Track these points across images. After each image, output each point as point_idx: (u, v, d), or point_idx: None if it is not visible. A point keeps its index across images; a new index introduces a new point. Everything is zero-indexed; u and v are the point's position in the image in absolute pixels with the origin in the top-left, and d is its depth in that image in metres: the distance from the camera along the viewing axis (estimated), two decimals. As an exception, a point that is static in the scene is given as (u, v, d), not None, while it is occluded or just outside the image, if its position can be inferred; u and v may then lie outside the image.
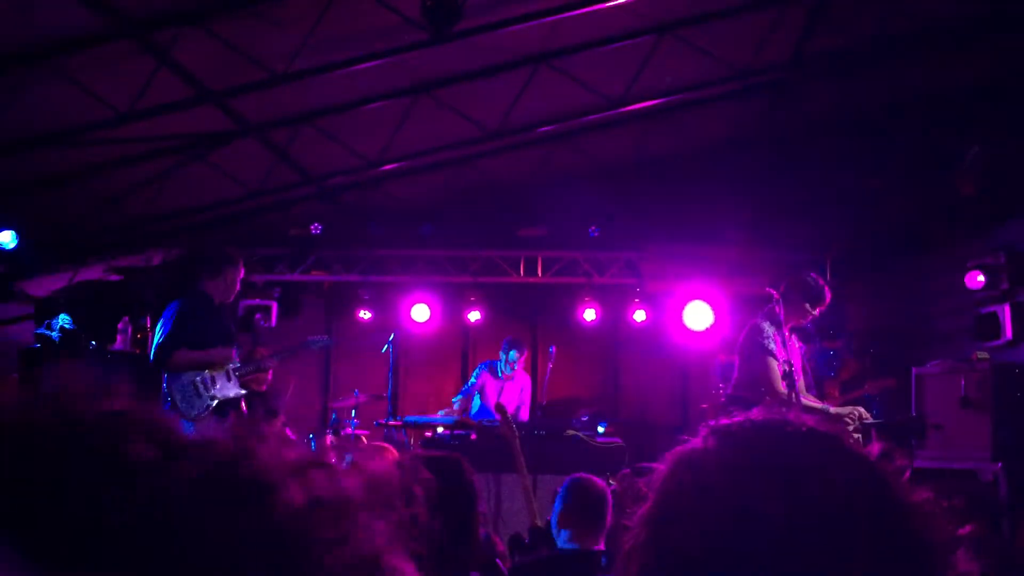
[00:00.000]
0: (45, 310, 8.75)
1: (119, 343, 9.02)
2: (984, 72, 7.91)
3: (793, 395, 5.49)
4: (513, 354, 8.70)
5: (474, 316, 10.35)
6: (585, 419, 8.30)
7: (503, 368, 8.76)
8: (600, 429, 8.07)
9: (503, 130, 8.20)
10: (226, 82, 6.80)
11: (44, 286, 8.84)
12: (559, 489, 4.10)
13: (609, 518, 3.85)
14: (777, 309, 5.67)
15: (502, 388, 8.73)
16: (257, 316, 9.88)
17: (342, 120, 7.82)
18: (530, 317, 10.80)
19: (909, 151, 8.42)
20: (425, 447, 7.76)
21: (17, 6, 5.65)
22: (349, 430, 8.33)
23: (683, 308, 9.76)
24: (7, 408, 0.59)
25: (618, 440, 7.75)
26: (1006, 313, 7.84)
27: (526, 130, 8.52)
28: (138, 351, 8.87)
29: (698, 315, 9.72)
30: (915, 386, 7.31)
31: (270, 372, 7.61)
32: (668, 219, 9.76)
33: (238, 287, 6.30)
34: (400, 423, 8.44)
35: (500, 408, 6.53)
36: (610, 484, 4.69)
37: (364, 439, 8.48)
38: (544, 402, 8.80)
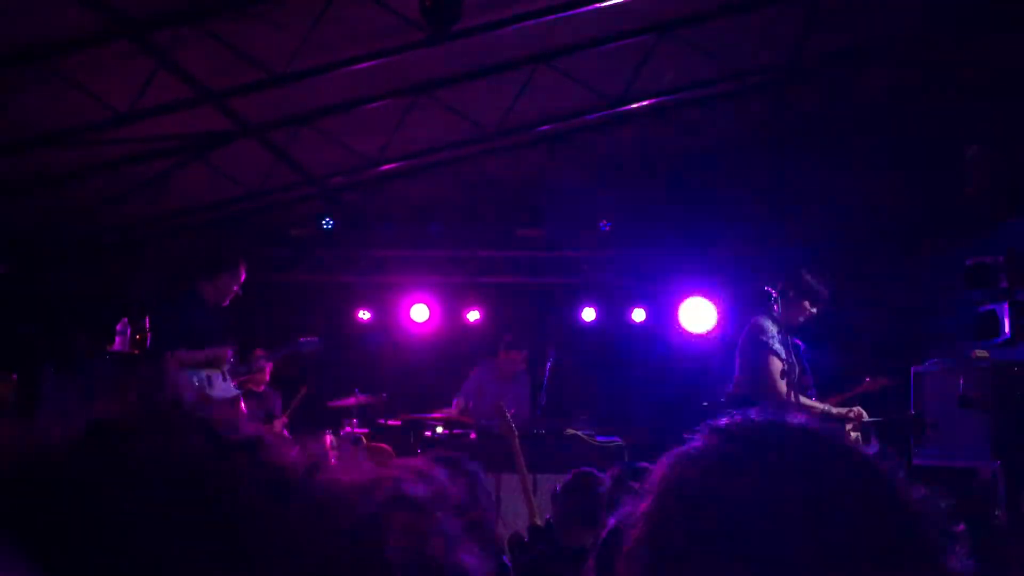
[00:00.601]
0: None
1: (118, 344, 9.01)
2: (983, 72, 7.92)
3: (793, 394, 5.49)
4: (512, 353, 8.70)
5: (473, 316, 10.36)
6: (584, 419, 8.31)
7: (502, 368, 8.76)
8: (600, 429, 8.08)
9: (502, 130, 8.20)
10: (225, 82, 6.80)
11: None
12: (558, 486, 4.11)
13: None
14: (776, 307, 5.66)
15: (501, 388, 8.73)
16: (257, 316, 9.88)
17: (341, 120, 7.82)
18: (529, 317, 10.80)
19: (908, 150, 8.43)
20: (425, 447, 7.77)
21: (16, 6, 5.64)
22: (348, 429, 8.33)
23: (683, 308, 9.76)
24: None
25: (618, 439, 7.76)
26: (1005, 312, 7.84)
27: (525, 130, 8.53)
28: (137, 352, 8.87)
29: (697, 314, 9.72)
30: (914, 384, 7.30)
31: (267, 373, 7.61)
32: (668, 219, 9.77)
33: (236, 290, 6.23)
34: (400, 423, 8.44)
35: (499, 408, 6.53)
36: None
37: (364, 439, 8.48)
38: (544, 402, 8.80)
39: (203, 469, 0.58)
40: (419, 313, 10.11)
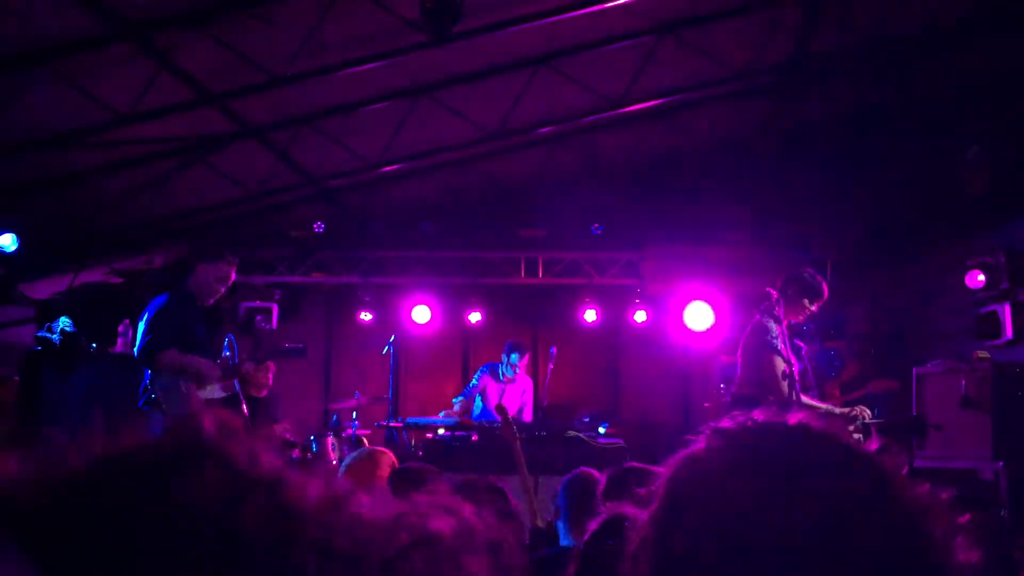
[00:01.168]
0: (46, 313, 8.75)
1: (120, 346, 9.02)
2: (984, 72, 7.92)
3: (794, 394, 5.49)
4: (515, 357, 8.70)
5: (475, 317, 10.36)
6: (586, 420, 8.30)
7: (504, 371, 8.76)
8: (601, 430, 8.07)
9: (503, 131, 8.21)
10: (227, 84, 6.80)
11: (45, 289, 8.85)
12: (559, 486, 4.10)
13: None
14: (776, 307, 5.66)
15: (503, 390, 8.73)
16: (258, 318, 9.89)
17: (343, 121, 7.83)
18: (531, 318, 10.80)
19: (909, 151, 8.43)
20: (427, 449, 7.76)
21: (17, 9, 5.65)
22: (350, 431, 8.33)
23: (684, 308, 9.76)
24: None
25: (619, 441, 7.75)
26: (1006, 312, 7.84)
27: (526, 131, 8.53)
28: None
29: (699, 315, 9.73)
30: (916, 386, 7.30)
31: (270, 377, 7.59)
32: (669, 220, 9.77)
33: (221, 289, 6.04)
34: (401, 424, 8.44)
35: (501, 409, 6.53)
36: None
37: (365, 441, 8.48)
38: (545, 403, 8.79)
39: (219, 512, 0.57)
40: (420, 314, 10.12)
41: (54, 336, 8.59)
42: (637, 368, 10.83)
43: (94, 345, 8.78)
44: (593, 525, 2.14)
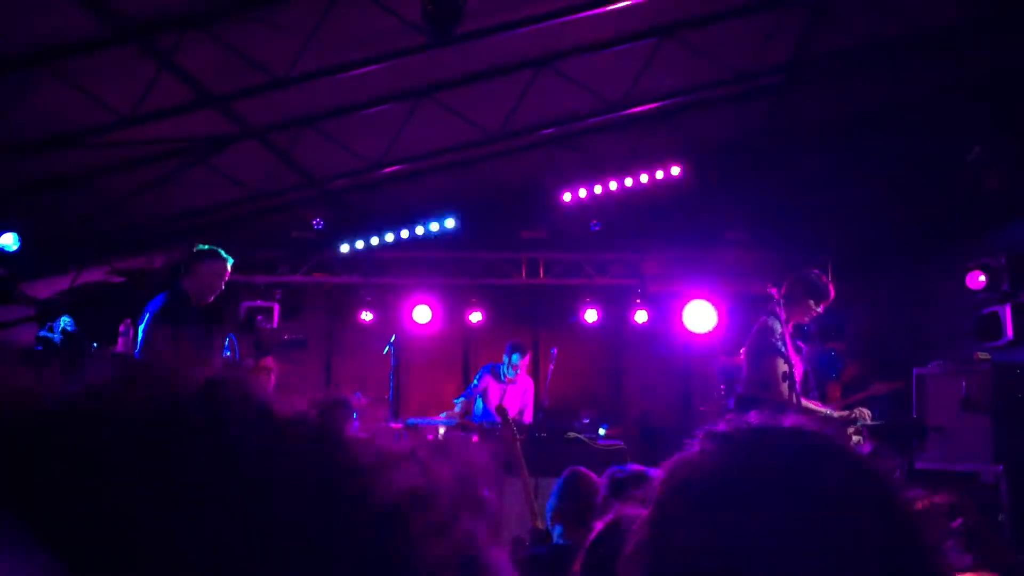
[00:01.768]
0: (47, 312, 8.76)
1: (121, 345, 9.02)
2: (984, 73, 7.92)
3: (794, 396, 5.49)
4: (516, 358, 8.71)
5: (476, 318, 10.36)
6: (587, 421, 8.31)
7: (506, 372, 8.77)
8: (602, 431, 8.08)
9: (504, 133, 8.21)
10: (228, 85, 6.81)
11: (46, 288, 8.86)
12: (555, 483, 4.11)
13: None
14: (778, 308, 5.66)
15: (504, 391, 8.73)
16: (259, 317, 9.89)
17: (344, 123, 7.83)
18: (532, 319, 10.81)
19: (909, 153, 8.43)
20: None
21: (19, 10, 5.66)
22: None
23: (684, 309, 9.77)
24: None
25: (620, 442, 7.76)
26: (1007, 314, 7.85)
27: (527, 133, 8.53)
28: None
29: (699, 316, 9.73)
30: (916, 387, 7.30)
31: (272, 377, 7.59)
32: (670, 221, 9.77)
33: (220, 287, 6.04)
34: (401, 425, 8.44)
35: (501, 411, 6.53)
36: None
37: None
38: (546, 404, 8.80)
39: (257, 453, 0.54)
40: (421, 314, 10.12)
41: (55, 336, 8.60)
42: (638, 369, 10.83)
43: (95, 345, 8.79)
44: (599, 524, 2.15)
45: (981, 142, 7.90)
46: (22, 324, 8.74)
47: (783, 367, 5.55)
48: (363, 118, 7.77)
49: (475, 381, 9.02)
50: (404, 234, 9.82)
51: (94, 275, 9.21)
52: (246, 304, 9.89)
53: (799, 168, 9.09)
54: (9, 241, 7.91)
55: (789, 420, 0.94)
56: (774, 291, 5.73)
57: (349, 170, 8.68)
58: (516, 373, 8.79)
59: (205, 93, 6.79)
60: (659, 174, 9.29)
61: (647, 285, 10.16)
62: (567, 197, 9.48)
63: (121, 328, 9.12)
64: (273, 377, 7.51)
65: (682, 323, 9.77)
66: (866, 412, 5.91)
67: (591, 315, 10.23)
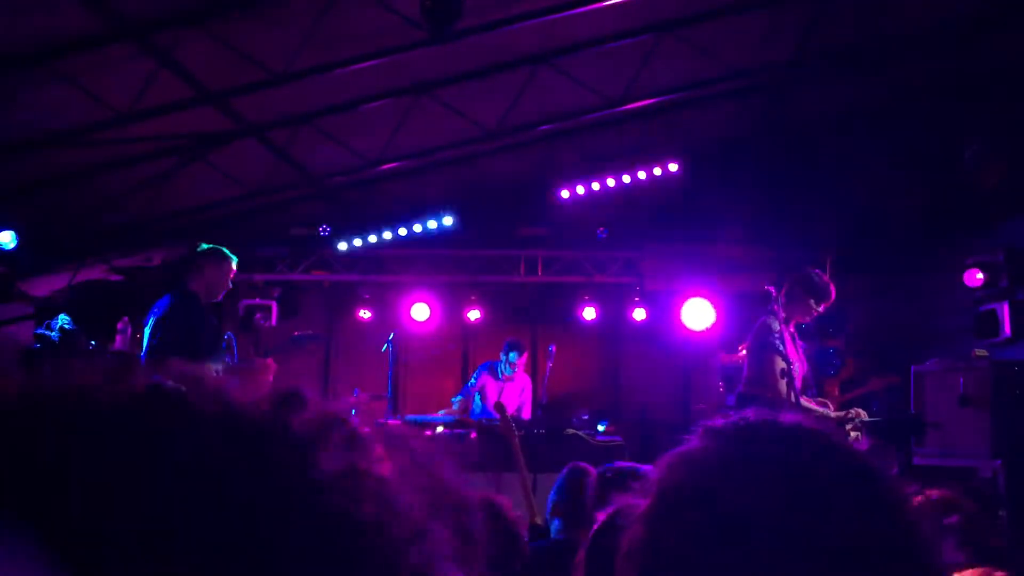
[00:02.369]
0: (45, 310, 8.75)
1: (119, 343, 9.01)
2: (983, 71, 7.92)
3: (793, 394, 5.49)
4: (513, 355, 8.72)
5: (474, 315, 10.36)
6: (585, 418, 8.30)
7: (503, 369, 8.77)
8: (600, 428, 8.08)
9: (503, 129, 8.21)
10: (226, 82, 6.80)
11: (44, 286, 8.85)
12: (556, 479, 4.12)
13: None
14: (776, 307, 5.67)
15: (502, 389, 8.73)
16: (257, 316, 9.88)
17: (342, 120, 7.83)
18: (530, 316, 10.81)
19: (908, 149, 8.43)
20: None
21: (17, 8, 5.65)
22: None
23: (683, 307, 9.77)
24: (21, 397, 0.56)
25: (618, 439, 7.76)
26: (1005, 311, 7.86)
27: (526, 129, 8.53)
28: (138, 351, 8.86)
29: (698, 314, 9.73)
30: (914, 384, 7.31)
31: (270, 376, 7.58)
32: (668, 218, 9.77)
33: (228, 285, 6.07)
34: (400, 422, 8.44)
35: (500, 407, 6.54)
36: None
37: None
38: (544, 401, 8.80)
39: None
40: (420, 312, 10.12)
41: (53, 334, 8.59)
42: (636, 366, 10.84)
43: (93, 343, 8.78)
44: (601, 516, 2.15)
45: (979, 139, 7.90)
46: (20, 322, 8.73)
47: (781, 365, 5.56)
48: (361, 115, 7.77)
49: (473, 379, 9.03)
50: (403, 231, 9.81)
51: (92, 273, 9.20)
52: (244, 302, 9.88)
53: (798, 165, 9.09)
54: (7, 239, 7.91)
55: (785, 416, 0.94)
56: (772, 289, 5.73)
57: (347, 167, 8.68)
58: (514, 371, 8.79)
59: (203, 90, 6.78)
60: (657, 171, 9.29)
61: (645, 283, 10.16)
62: (565, 194, 9.48)
63: (119, 326, 9.12)
64: (271, 376, 7.51)
65: (680, 321, 9.77)
66: (862, 413, 5.91)
67: (590, 313, 10.23)
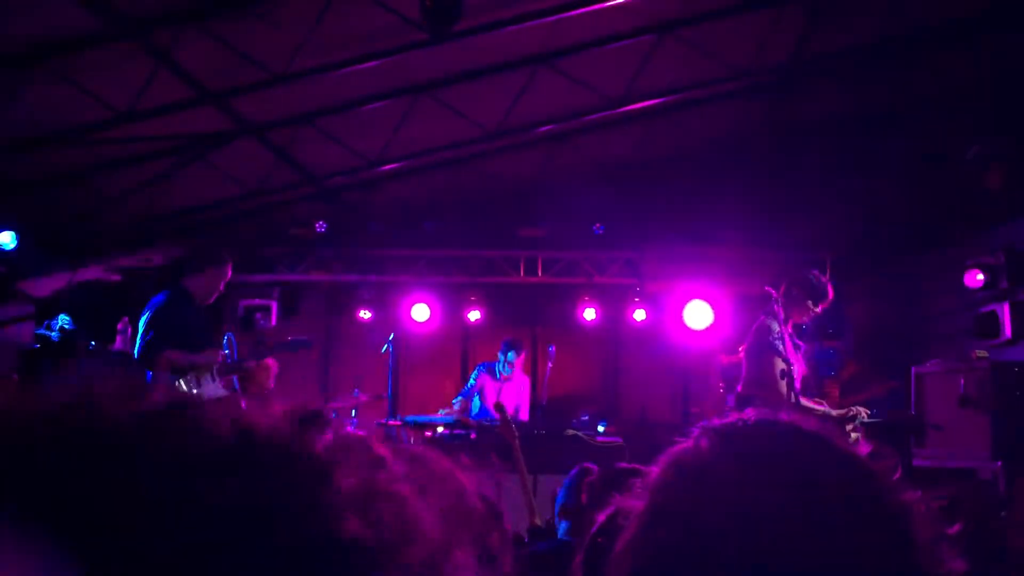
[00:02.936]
0: (45, 310, 8.75)
1: (119, 343, 9.01)
2: (982, 72, 7.91)
3: (793, 395, 5.49)
4: (511, 355, 8.71)
5: (474, 316, 10.36)
6: (585, 418, 8.31)
7: (501, 369, 8.77)
8: (600, 428, 8.08)
9: (503, 130, 8.21)
10: (226, 82, 6.80)
11: (44, 286, 8.84)
12: (558, 485, 4.11)
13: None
14: (777, 308, 5.67)
15: (500, 389, 8.73)
16: (257, 315, 9.88)
17: (342, 120, 7.82)
18: (530, 317, 10.80)
19: (908, 151, 8.42)
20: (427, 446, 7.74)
21: (16, 7, 5.65)
22: (349, 429, 8.32)
23: (683, 307, 9.76)
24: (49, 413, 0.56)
25: (618, 439, 7.76)
26: (1005, 312, 7.85)
27: (526, 130, 8.53)
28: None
29: (698, 314, 9.73)
30: (914, 385, 7.31)
31: (271, 378, 7.58)
32: (668, 219, 9.77)
33: (222, 288, 6.12)
34: (400, 423, 8.44)
35: (499, 407, 6.53)
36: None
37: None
38: (544, 401, 8.80)
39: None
40: (420, 313, 10.11)
41: (53, 334, 8.59)
42: (636, 367, 10.83)
43: (93, 343, 8.78)
44: (601, 517, 2.15)
45: (980, 140, 7.90)
46: (21, 322, 8.73)
47: (781, 366, 5.56)
48: (361, 115, 7.76)
49: (471, 380, 9.03)
50: (402, 232, 9.81)
51: (92, 273, 9.19)
52: (244, 302, 9.88)
53: (798, 166, 9.08)
54: (7, 239, 7.90)
55: (785, 416, 0.93)
56: (772, 291, 5.74)
57: (347, 167, 8.68)
58: (512, 371, 8.79)
59: (203, 90, 6.78)
60: (658, 172, 9.28)
61: (646, 283, 10.15)
62: (566, 195, 9.48)
63: (119, 326, 9.11)
64: (272, 376, 7.52)
65: (681, 322, 9.77)
66: (863, 410, 5.91)
67: (590, 313, 10.23)
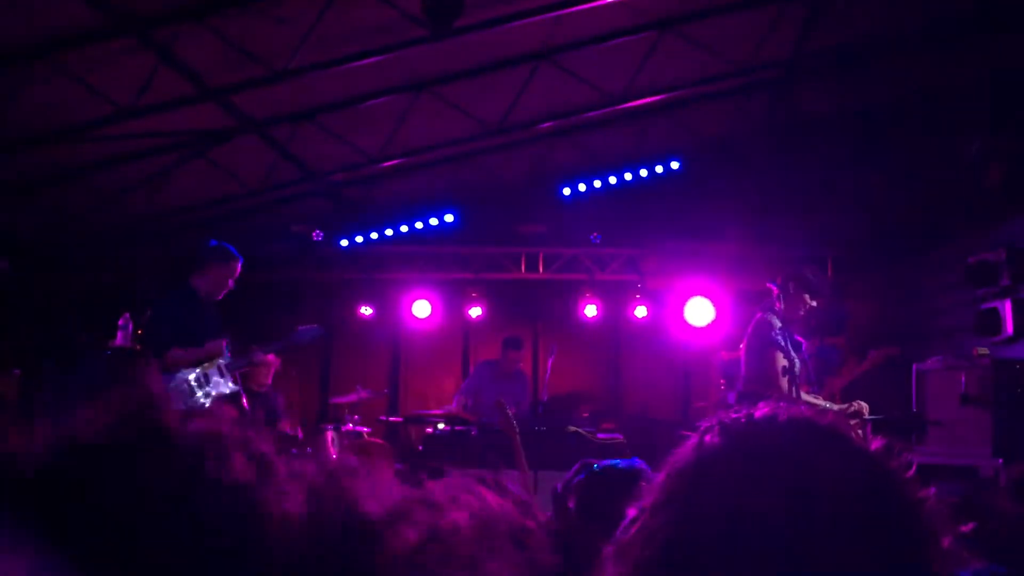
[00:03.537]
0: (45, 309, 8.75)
1: (119, 339, 9.01)
2: (983, 69, 7.91)
3: (794, 390, 5.49)
4: (512, 352, 8.72)
5: (475, 312, 10.36)
6: (586, 415, 8.31)
7: (502, 366, 8.77)
8: (601, 425, 8.08)
9: (504, 127, 8.20)
10: (227, 79, 6.79)
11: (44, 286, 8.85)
12: (559, 485, 4.10)
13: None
14: (776, 303, 5.67)
15: (502, 385, 8.74)
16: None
17: (343, 117, 7.82)
18: (531, 313, 10.80)
19: (909, 148, 8.42)
20: (426, 444, 7.77)
21: (18, 3, 5.64)
22: (350, 426, 8.34)
23: (684, 304, 9.77)
24: (94, 428, 0.56)
25: (619, 436, 7.76)
26: (1007, 309, 7.83)
27: (527, 127, 8.52)
28: (139, 347, 8.85)
29: (699, 311, 9.73)
30: (916, 382, 7.30)
31: (270, 375, 7.59)
32: (669, 216, 9.77)
33: (230, 285, 6.09)
34: (401, 419, 8.45)
35: (500, 404, 6.53)
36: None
37: (365, 435, 8.49)
38: (545, 398, 8.80)
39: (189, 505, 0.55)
40: (421, 309, 10.12)
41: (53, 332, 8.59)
42: (637, 364, 10.83)
43: (94, 340, 8.78)
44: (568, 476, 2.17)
45: (981, 137, 7.89)
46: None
47: (783, 362, 5.56)
48: (362, 112, 7.76)
49: (473, 377, 9.03)
50: (404, 228, 9.81)
51: (92, 271, 9.20)
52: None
53: (799, 163, 9.08)
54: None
55: (795, 412, 0.93)
56: (772, 287, 5.74)
57: (348, 164, 8.67)
58: (512, 368, 8.79)
59: (204, 86, 6.77)
60: (659, 168, 9.29)
61: (647, 280, 10.16)
62: (567, 192, 9.48)
63: (120, 322, 9.10)
64: (272, 371, 7.52)
65: (682, 318, 9.77)
66: (864, 405, 5.90)
67: (591, 310, 10.23)
